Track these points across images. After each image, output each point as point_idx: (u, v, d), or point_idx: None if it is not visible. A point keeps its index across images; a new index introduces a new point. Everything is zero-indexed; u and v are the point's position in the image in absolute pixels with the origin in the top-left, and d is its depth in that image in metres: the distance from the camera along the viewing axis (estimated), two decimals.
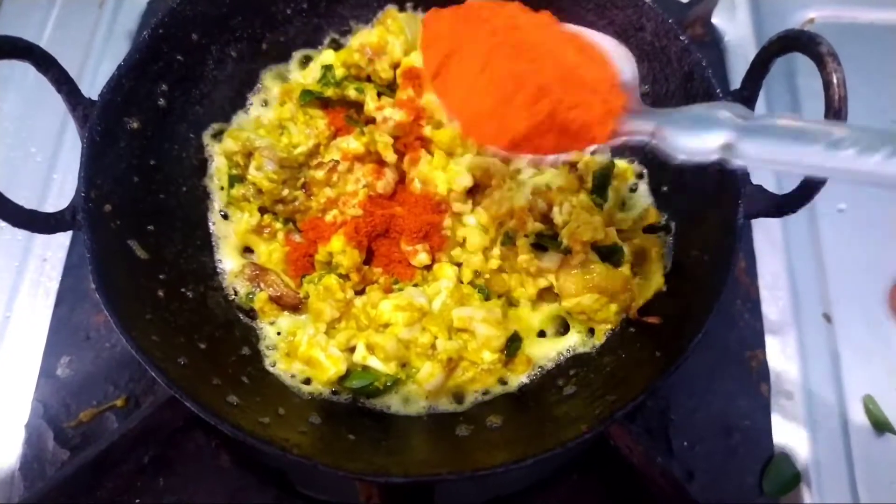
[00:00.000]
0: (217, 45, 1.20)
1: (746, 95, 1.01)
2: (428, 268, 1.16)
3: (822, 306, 1.32)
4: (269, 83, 1.28)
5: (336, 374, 1.05)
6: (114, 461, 1.09)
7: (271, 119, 1.24)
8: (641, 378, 0.95)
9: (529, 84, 0.81)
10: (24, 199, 0.94)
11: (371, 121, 1.21)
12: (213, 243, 1.18)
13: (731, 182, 0.98)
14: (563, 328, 1.14)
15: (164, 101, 1.14)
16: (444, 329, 1.08)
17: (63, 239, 1.36)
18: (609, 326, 1.10)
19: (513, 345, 1.09)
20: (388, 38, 1.23)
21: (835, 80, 0.83)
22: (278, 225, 1.19)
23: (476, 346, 1.07)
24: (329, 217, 1.15)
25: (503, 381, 1.10)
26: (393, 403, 1.07)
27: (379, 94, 1.22)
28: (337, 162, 1.17)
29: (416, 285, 1.13)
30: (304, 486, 1.16)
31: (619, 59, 0.88)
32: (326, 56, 1.26)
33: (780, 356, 1.28)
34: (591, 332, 1.12)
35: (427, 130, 1.19)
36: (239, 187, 1.18)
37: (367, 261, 1.15)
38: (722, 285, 0.94)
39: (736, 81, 1.47)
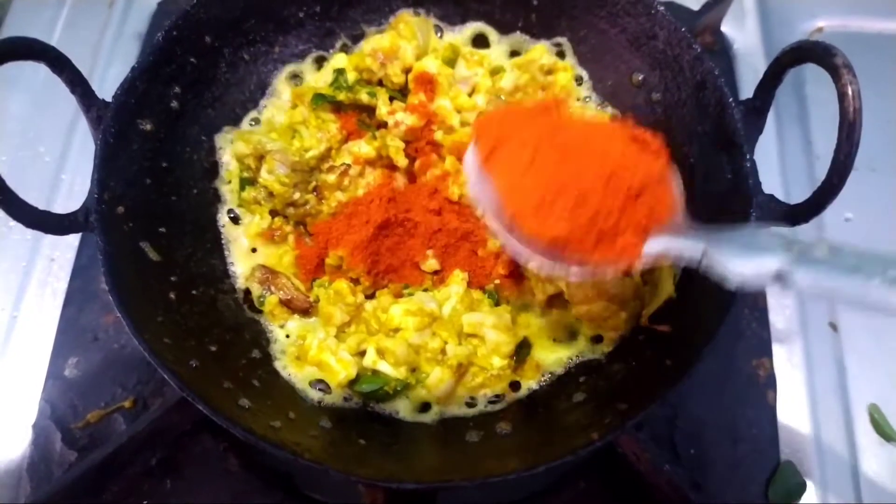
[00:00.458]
0: (230, 48, 1.20)
1: (758, 106, 1.02)
2: (437, 273, 1.16)
3: (828, 315, 1.32)
4: (282, 87, 1.28)
5: (346, 378, 1.06)
6: (121, 463, 1.09)
7: (283, 122, 1.25)
8: (651, 386, 0.95)
9: (572, 188, 0.80)
10: (33, 199, 0.95)
11: (383, 125, 1.22)
12: (224, 246, 1.19)
13: (743, 191, 0.99)
14: (572, 335, 1.14)
15: (177, 103, 1.14)
16: (454, 334, 1.08)
17: (71, 240, 1.36)
18: (619, 334, 1.10)
19: (522, 351, 1.09)
20: (401, 43, 1.23)
21: (850, 92, 0.83)
22: (289, 228, 1.19)
23: (486, 352, 1.07)
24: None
25: (513, 387, 1.09)
26: (402, 408, 1.07)
27: (391, 99, 1.23)
28: (348, 166, 1.17)
29: (426, 290, 1.14)
30: (311, 490, 1.15)
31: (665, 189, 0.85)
32: (338, 60, 1.27)
33: (787, 365, 1.28)
34: (601, 339, 1.12)
35: (438, 135, 1.20)
36: (250, 190, 1.18)
37: (375, 263, 1.15)
38: (732, 295, 0.94)
39: (745, 90, 1.49)
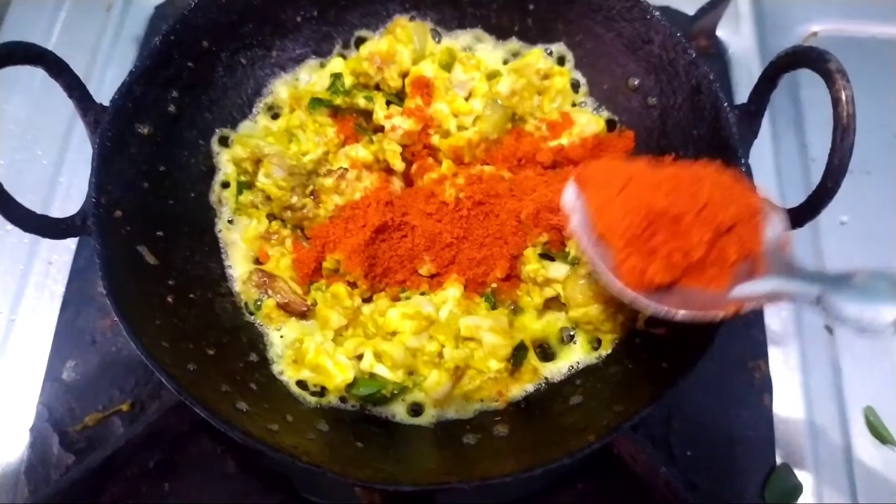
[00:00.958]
0: (227, 52, 1.21)
1: (753, 110, 1.02)
2: (434, 276, 1.17)
3: (824, 318, 1.33)
4: (279, 90, 1.29)
5: (343, 382, 1.06)
6: (119, 465, 1.09)
7: (280, 126, 1.25)
8: (648, 389, 0.95)
9: (662, 216, 0.81)
10: (30, 202, 0.95)
11: (380, 129, 1.22)
12: (221, 249, 1.19)
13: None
14: (569, 339, 1.15)
15: (175, 107, 1.14)
16: (452, 338, 1.08)
17: (69, 243, 1.36)
18: (616, 337, 1.11)
19: (519, 354, 1.09)
20: (398, 47, 1.24)
21: (843, 97, 0.84)
22: (286, 232, 1.19)
23: (483, 355, 1.08)
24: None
25: (510, 390, 1.10)
26: (399, 411, 1.08)
27: (388, 103, 1.23)
28: (346, 169, 1.17)
29: (423, 293, 1.14)
30: (308, 492, 1.16)
31: (769, 213, 0.85)
32: (336, 64, 1.27)
33: (783, 367, 1.29)
34: (598, 342, 1.12)
35: (435, 139, 1.20)
36: (247, 194, 1.19)
37: (372, 266, 1.15)
38: None
39: (740, 93, 1.50)
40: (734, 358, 1.28)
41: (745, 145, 1.03)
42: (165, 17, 1.61)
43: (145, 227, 1.07)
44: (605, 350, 1.11)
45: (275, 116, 1.28)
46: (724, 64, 1.57)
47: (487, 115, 1.20)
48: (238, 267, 1.18)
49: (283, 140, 1.21)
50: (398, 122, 1.19)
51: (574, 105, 1.29)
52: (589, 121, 1.23)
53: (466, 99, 1.24)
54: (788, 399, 1.26)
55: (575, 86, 1.30)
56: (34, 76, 1.48)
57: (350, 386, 1.07)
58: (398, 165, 1.19)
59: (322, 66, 1.32)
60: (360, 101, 1.22)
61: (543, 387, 1.10)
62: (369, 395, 1.06)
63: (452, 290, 1.12)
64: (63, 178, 1.44)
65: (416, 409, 1.08)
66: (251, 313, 1.15)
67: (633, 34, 1.18)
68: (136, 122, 1.08)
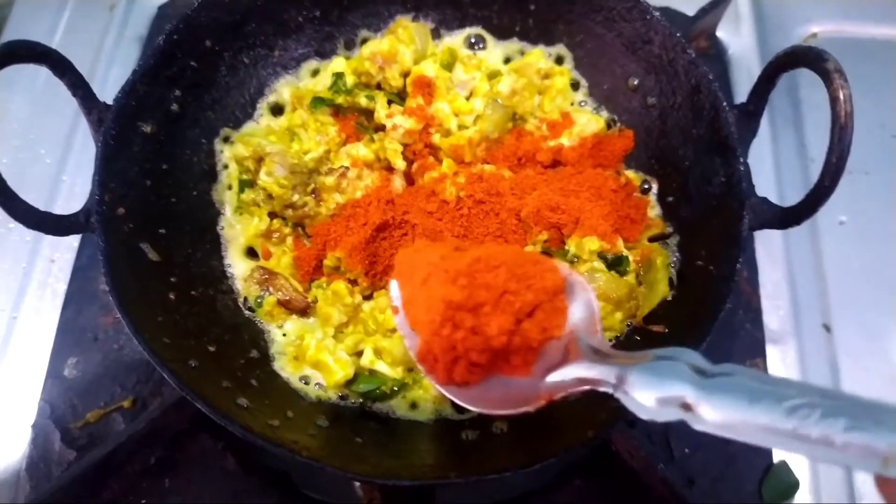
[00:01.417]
0: (230, 51, 1.21)
1: (752, 110, 1.03)
2: None
3: (821, 316, 1.34)
4: (281, 90, 1.29)
5: (344, 378, 1.07)
6: (120, 462, 1.10)
7: (282, 125, 1.26)
8: None
9: (460, 308, 0.78)
10: (33, 200, 0.96)
11: (381, 128, 1.23)
12: (223, 247, 1.20)
13: (737, 194, 1.00)
14: None
15: (177, 106, 1.15)
16: None
17: (71, 241, 1.37)
18: (614, 334, 1.11)
19: None
20: (399, 47, 1.25)
21: (841, 97, 0.85)
22: (287, 230, 1.20)
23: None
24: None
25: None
26: (399, 408, 1.08)
27: (389, 102, 1.24)
28: (347, 168, 1.18)
29: None
30: (308, 488, 1.16)
31: (576, 289, 0.83)
32: (337, 64, 1.28)
33: (781, 365, 1.29)
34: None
35: (436, 138, 1.21)
36: (249, 192, 1.19)
37: (373, 264, 1.16)
38: (726, 295, 0.95)
39: (739, 94, 1.50)
40: (733, 356, 1.28)
41: (744, 145, 1.04)
42: (168, 17, 1.61)
43: (148, 225, 1.08)
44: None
45: (277, 114, 1.29)
46: (723, 64, 1.57)
47: (488, 115, 1.21)
48: (239, 264, 1.19)
49: (284, 139, 1.22)
50: (399, 121, 1.20)
51: (574, 105, 1.30)
52: (589, 120, 1.24)
53: (467, 98, 1.25)
54: None
55: (575, 86, 1.31)
56: (37, 75, 1.51)
57: (350, 382, 1.07)
58: (399, 164, 1.20)
59: (324, 65, 1.32)
60: (362, 101, 1.23)
61: None
62: (369, 391, 1.07)
63: None
64: (66, 176, 1.45)
65: (415, 406, 1.09)
66: (252, 310, 1.16)
67: (633, 34, 1.18)
68: (139, 121, 1.08)
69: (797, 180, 1.45)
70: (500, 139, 1.23)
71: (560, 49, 1.30)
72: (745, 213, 0.98)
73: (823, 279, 1.37)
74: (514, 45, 1.33)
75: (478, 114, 1.22)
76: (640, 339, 1.10)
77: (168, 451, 1.16)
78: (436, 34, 1.34)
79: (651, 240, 1.17)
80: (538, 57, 1.27)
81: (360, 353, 1.09)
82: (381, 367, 1.07)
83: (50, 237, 1.36)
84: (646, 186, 1.22)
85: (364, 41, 1.34)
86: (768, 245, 1.39)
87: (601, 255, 1.11)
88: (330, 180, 1.18)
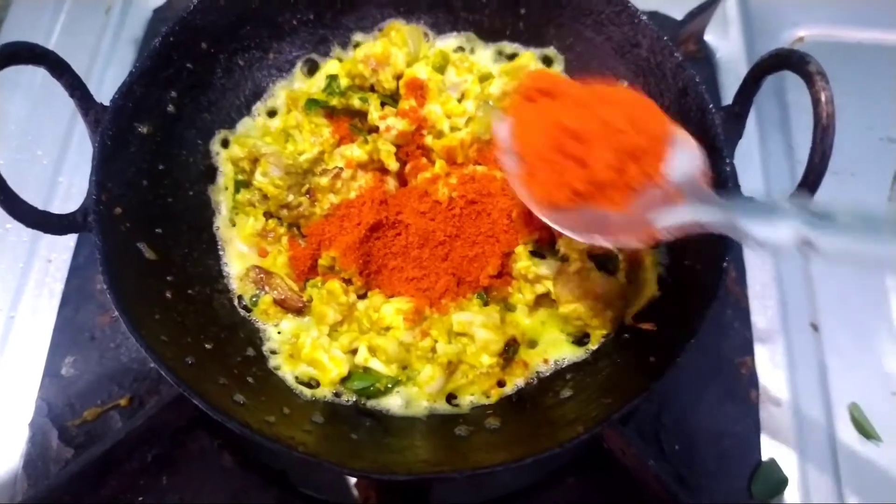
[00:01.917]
0: (225, 53, 1.23)
1: (738, 111, 1.05)
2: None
3: (809, 316, 1.36)
4: (276, 92, 1.31)
5: (338, 376, 1.08)
6: (118, 460, 1.11)
7: (277, 126, 1.27)
8: (636, 382, 0.97)
9: (573, 136, 0.83)
10: (30, 201, 0.97)
11: (374, 129, 1.25)
12: (219, 246, 1.21)
13: (723, 194, 1.02)
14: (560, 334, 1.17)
15: (174, 107, 1.16)
16: (444, 333, 1.11)
17: (68, 241, 1.38)
18: (604, 332, 1.13)
19: (510, 349, 1.12)
20: (392, 50, 1.26)
21: (823, 98, 0.87)
22: (282, 230, 1.21)
23: (475, 350, 1.10)
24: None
25: (501, 384, 1.12)
26: (394, 405, 1.10)
27: (382, 104, 1.26)
28: (341, 169, 1.20)
29: None
30: (305, 486, 1.18)
31: (682, 144, 0.87)
32: (331, 66, 1.30)
33: (769, 364, 1.31)
34: (587, 337, 1.15)
35: (428, 140, 1.23)
36: (245, 192, 1.21)
37: (367, 264, 1.17)
38: (714, 294, 0.97)
39: (727, 97, 1.52)
40: (721, 355, 1.30)
41: (731, 145, 1.06)
42: (164, 20, 1.63)
43: (145, 225, 1.09)
44: (595, 345, 1.13)
45: (272, 116, 1.31)
46: (711, 68, 1.59)
47: (480, 117, 1.23)
48: (235, 264, 1.20)
49: (279, 140, 1.24)
50: (392, 123, 1.21)
51: None
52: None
53: (459, 100, 1.26)
54: (774, 395, 1.28)
55: None
56: (35, 77, 1.52)
57: (345, 380, 1.09)
58: (392, 165, 1.21)
59: (318, 67, 1.34)
60: (356, 103, 1.25)
61: (534, 381, 1.13)
62: (364, 388, 1.08)
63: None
64: (63, 177, 1.46)
65: (409, 403, 1.10)
66: (248, 309, 1.17)
67: (621, 38, 1.20)
68: (136, 122, 1.10)
69: (785, 182, 1.47)
70: (492, 141, 1.25)
71: (550, 52, 1.32)
72: None
73: (811, 279, 1.38)
74: (505, 47, 1.35)
75: (469, 115, 1.24)
76: (629, 337, 1.11)
77: (166, 449, 1.17)
78: (427, 37, 1.35)
79: None
80: (529, 59, 1.30)
81: (354, 351, 1.11)
82: (376, 364, 1.09)
83: (47, 237, 1.37)
84: None
85: (357, 44, 1.35)
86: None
87: (591, 255, 1.13)
88: (324, 181, 1.19)
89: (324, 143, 1.22)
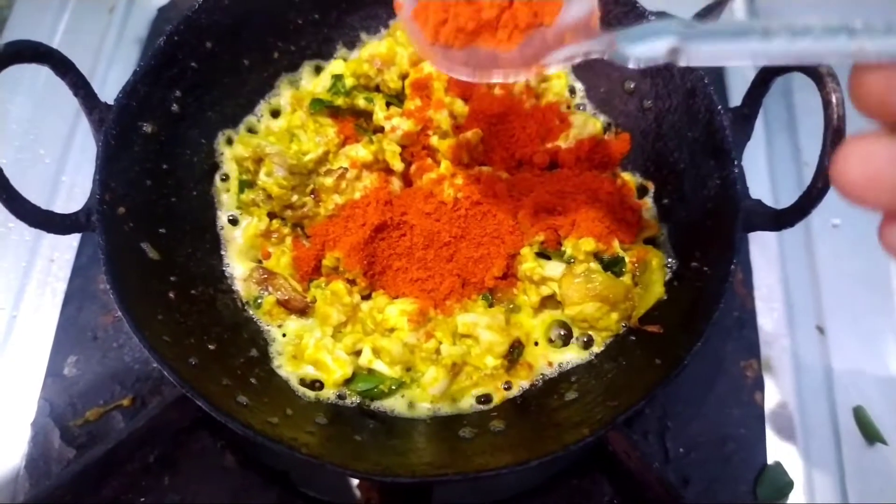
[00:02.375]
0: (230, 53, 1.22)
1: (747, 113, 1.04)
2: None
3: (815, 319, 1.35)
4: (280, 91, 1.31)
5: (342, 377, 1.08)
6: (120, 460, 1.10)
7: (282, 126, 1.27)
8: (642, 384, 0.97)
9: None
10: (33, 200, 0.97)
11: (379, 130, 1.24)
12: (223, 247, 1.21)
13: (731, 196, 1.01)
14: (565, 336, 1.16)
15: (178, 106, 1.16)
16: (449, 334, 1.10)
17: (70, 240, 1.38)
18: (610, 334, 1.13)
19: (515, 351, 1.11)
20: (397, 50, 1.26)
21: (834, 100, 0.86)
22: (286, 230, 1.21)
23: (479, 352, 1.09)
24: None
25: (506, 387, 1.11)
26: (397, 406, 1.09)
27: (388, 104, 1.25)
28: (346, 169, 1.19)
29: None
30: (307, 487, 1.17)
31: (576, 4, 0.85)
32: (336, 66, 1.29)
33: (775, 366, 1.30)
34: (592, 340, 1.14)
35: (434, 140, 1.22)
36: (249, 192, 1.20)
37: (371, 265, 1.17)
38: (720, 296, 0.96)
39: (735, 98, 1.51)
40: (727, 358, 1.29)
41: (739, 147, 1.05)
42: (168, 19, 1.62)
43: (148, 224, 1.09)
44: (600, 348, 1.13)
45: (276, 116, 1.30)
46: (720, 70, 1.58)
47: None
48: (239, 264, 1.20)
49: (284, 140, 1.23)
50: (397, 123, 1.21)
51: (572, 108, 1.31)
52: (585, 123, 1.25)
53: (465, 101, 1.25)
54: (780, 398, 1.28)
55: (572, 90, 1.32)
56: (38, 76, 1.52)
57: (349, 381, 1.09)
58: (397, 165, 1.21)
59: (323, 67, 1.34)
60: (361, 103, 1.24)
61: (539, 383, 1.12)
62: (368, 389, 1.08)
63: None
64: (66, 177, 1.46)
65: (413, 405, 1.10)
66: (251, 310, 1.16)
67: None
68: (140, 121, 1.09)
69: (791, 184, 1.46)
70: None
71: None
72: (740, 215, 0.99)
73: (817, 281, 1.38)
74: None
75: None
76: (635, 339, 1.11)
77: (168, 450, 1.17)
78: None
79: (647, 241, 1.19)
80: None
81: (358, 353, 1.10)
82: (380, 366, 1.08)
83: (50, 237, 1.37)
84: (642, 188, 1.24)
85: (359, 42, 1.35)
86: (763, 248, 1.40)
87: (597, 256, 1.12)
88: (329, 181, 1.19)
89: (328, 143, 1.22)
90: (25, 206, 0.95)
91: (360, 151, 1.21)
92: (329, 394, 1.09)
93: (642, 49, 0.65)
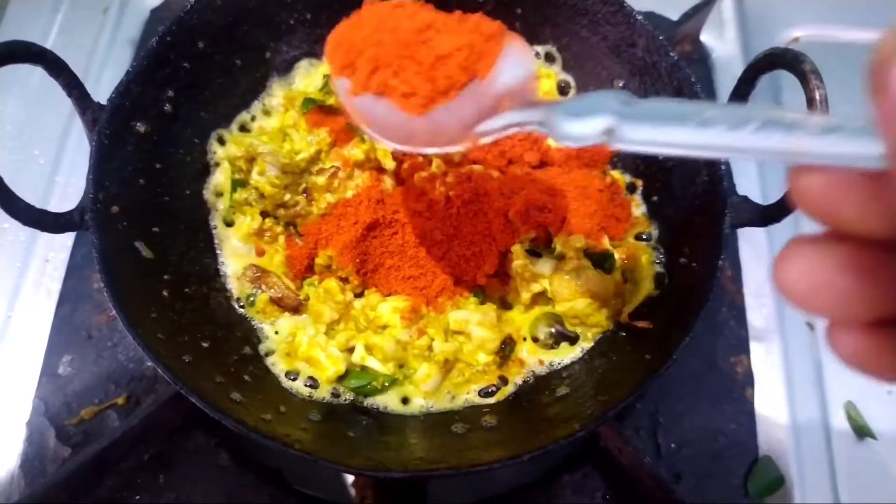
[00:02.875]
0: (222, 53, 1.23)
1: None
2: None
3: (805, 314, 1.36)
4: (273, 91, 1.31)
5: (335, 374, 1.08)
6: (115, 459, 1.10)
7: (274, 126, 1.28)
8: (632, 380, 0.98)
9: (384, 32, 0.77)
10: (27, 200, 0.97)
11: None
12: (216, 245, 1.21)
13: (718, 193, 1.03)
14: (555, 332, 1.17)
15: (171, 106, 1.16)
16: (441, 331, 1.11)
17: (65, 240, 1.38)
18: (600, 330, 1.14)
19: (507, 347, 1.12)
20: None
21: (817, 97, 0.88)
22: (279, 229, 1.22)
23: (471, 348, 1.10)
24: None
25: (498, 383, 1.12)
26: (390, 403, 1.10)
27: None
28: (338, 168, 1.20)
29: None
30: (301, 485, 1.18)
31: (513, 55, 0.80)
32: (328, 65, 1.29)
33: (765, 362, 1.31)
34: (583, 335, 1.15)
35: None
36: (241, 191, 1.21)
37: (363, 262, 1.17)
38: (709, 292, 0.98)
39: (723, 96, 1.53)
40: (717, 354, 1.31)
41: None
42: (161, 20, 1.63)
43: (142, 223, 1.09)
44: (590, 343, 1.14)
45: (269, 115, 1.31)
46: (707, 68, 1.60)
47: None
48: (232, 263, 1.20)
49: (276, 139, 1.24)
50: None
51: None
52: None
53: None
54: (770, 393, 1.29)
55: (564, 88, 1.33)
56: (31, 77, 1.53)
57: (342, 378, 1.09)
58: (389, 164, 1.21)
59: (315, 67, 1.34)
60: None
61: (530, 379, 1.13)
62: (361, 386, 1.09)
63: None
64: (60, 177, 1.46)
65: (406, 401, 1.10)
66: (245, 308, 1.17)
67: (617, 38, 1.21)
68: (133, 121, 1.10)
69: (779, 181, 1.47)
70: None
71: (547, 51, 1.32)
72: (727, 212, 1.00)
73: None
74: None
75: None
76: (625, 335, 1.12)
77: (162, 448, 1.17)
78: None
79: (636, 238, 1.20)
80: None
81: (351, 350, 1.11)
82: (372, 362, 1.09)
83: (44, 237, 1.37)
84: (631, 186, 1.25)
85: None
86: (752, 244, 1.41)
87: (587, 253, 1.13)
88: (321, 180, 1.19)
89: (321, 142, 1.22)
90: (19, 205, 0.95)
91: (352, 150, 1.21)
92: (322, 391, 1.10)
93: (578, 127, 0.61)
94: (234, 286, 1.19)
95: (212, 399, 0.92)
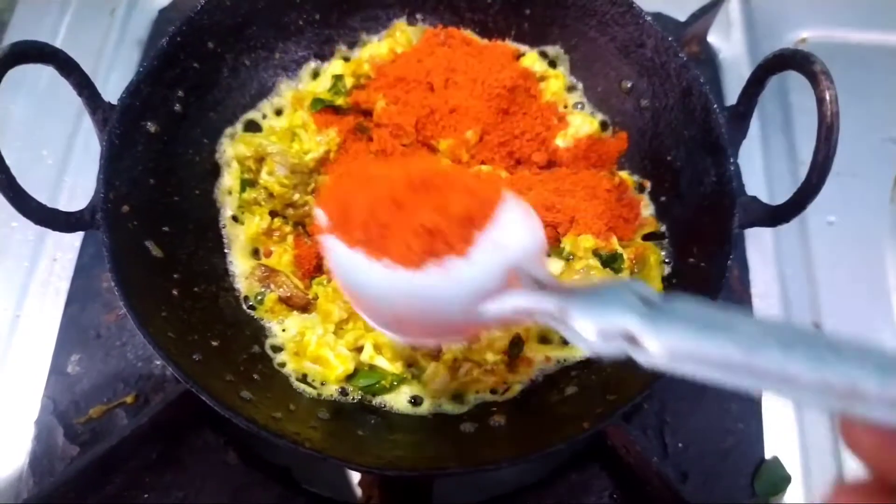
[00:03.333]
0: (231, 53, 1.24)
1: (742, 111, 1.06)
2: None
3: (811, 315, 1.36)
4: (282, 91, 1.32)
5: (344, 373, 1.09)
6: (123, 457, 1.11)
7: (283, 126, 1.28)
8: (640, 378, 0.97)
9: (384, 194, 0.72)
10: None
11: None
12: (225, 245, 1.22)
13: (727, 193, 1.03)
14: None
15: (180, 106, 1.17)
16: None
17: (73, 240, 1.38)
18: None
19: (515, 347, 1.12)
20: (397, 50, 1.27)
21: (827, 97, 0.88)
22: (288, 228, 1.22)
23: (480, 348, 1.10)
24: None
25: (506, 382, 1.12)
26: (399, 402, 1.10)
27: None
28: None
29: None
30: (308, 483, 1.18)
31: (518, 231, 0.76)
32: (336, 66, 1.30)
33: None
34: None
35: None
36: (250, 191, 1.21)
37: None
38: (717, 291, 0.98)
39: (730, 97, 1.53)
40: None
41: (735, 145, 1.06)
42: (169, 21, 1.63)
43: (152, 223, 1.10)
44: None
45: (278, 115, 1.31)
46: (715, 69, 1.60)
47: None
48: (241, 262, 1.21)
49: (285, 139, 1.24)
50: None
51: (569, 107, 1.32)
52: (583, 122, 1.27)
53: None
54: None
55: (570, 89, 1.33)
56: (40, 77, 1.53)
57: (351, 377, 1.09)
58: None
59: (324, 68, 1.35)
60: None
61: (539, 379, 1.13)
62: (369, 385, 1.09)
63: None
64: (68, 177, 1.46)
65: (415, 400, 1.11)
66: (254, 307, 1.17)
67: (626, 38, 1.21)
68: (143, 121, 1.10)
69: (787, 182, 1.48)
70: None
71: (555, 52, 1.33)
72: (736, 212, 1.00)
73: (813, 278, 1.39)
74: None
75: None
76: None
77: (170, 446, 1.17)
78: None
79: (645, 238, 1.20)
80: (533, 60, 1.30)
81: (360, 349, 1.11)
82: (381, 362, 1.09)
83: (53, 236, 1.37)
84: (639, 186, 1.25)
85: (363, 44, 1.36)
86: (759, 245, 1.42)
87: (596, 253, 1.13)
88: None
89: (329, 142, 1.23)
90: (31, 204, 0.95)
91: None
92: (331, 390, 1.10)
93: (595, 327, 0.54)
94: (243, 285, 1.19)
95: (222, 397, 0.92)
